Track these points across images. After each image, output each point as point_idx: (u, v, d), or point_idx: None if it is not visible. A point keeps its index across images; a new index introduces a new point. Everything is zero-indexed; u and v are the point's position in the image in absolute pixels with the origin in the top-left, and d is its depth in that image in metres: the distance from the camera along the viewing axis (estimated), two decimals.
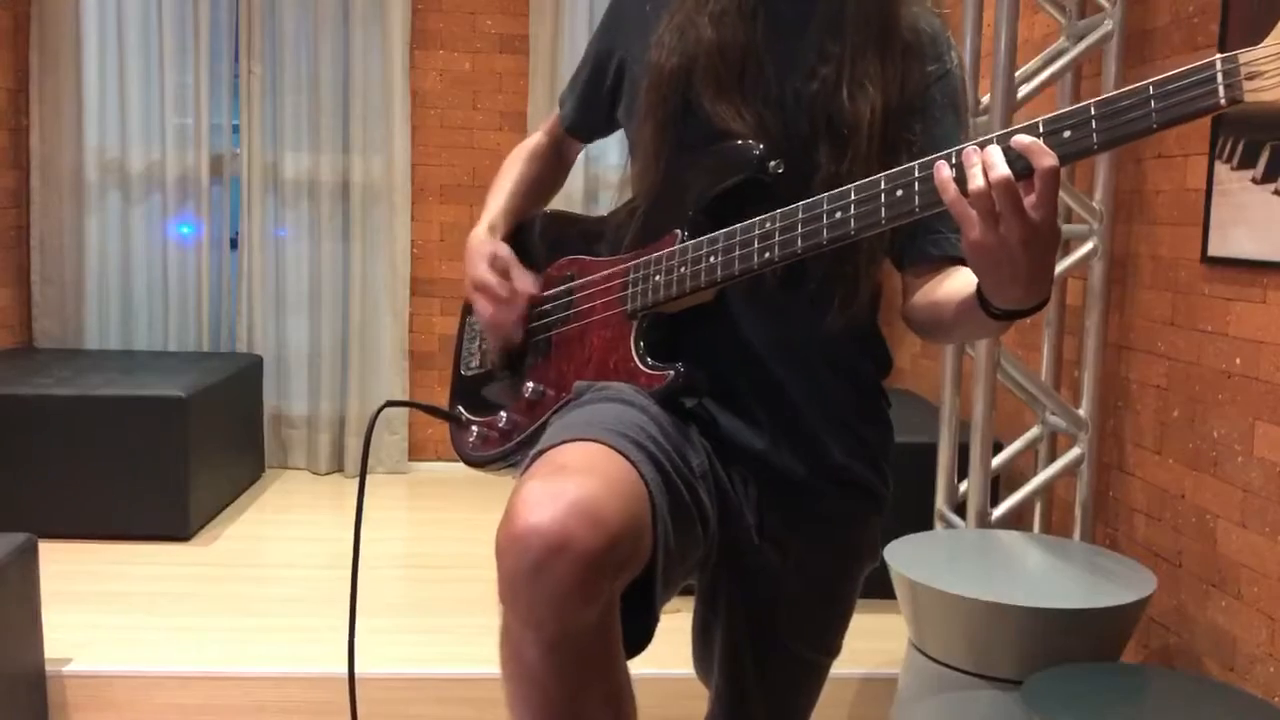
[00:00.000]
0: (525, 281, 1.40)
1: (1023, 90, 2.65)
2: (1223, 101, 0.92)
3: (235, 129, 4.33)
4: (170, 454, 3.41)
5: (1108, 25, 2.63)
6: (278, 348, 4.40)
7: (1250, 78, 0.91)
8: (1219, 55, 0.92)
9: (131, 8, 4.20)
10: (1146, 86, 0.95)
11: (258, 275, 4.33)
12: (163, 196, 4.28)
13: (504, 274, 1.40)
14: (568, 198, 4.19)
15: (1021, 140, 0.98)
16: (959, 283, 1.18)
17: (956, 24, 2.82)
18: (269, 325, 4.38)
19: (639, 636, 1.11)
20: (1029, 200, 0.98)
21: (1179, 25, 2.45)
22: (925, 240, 1.26)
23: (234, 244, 4.38)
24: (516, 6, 4.37)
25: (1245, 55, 0.91)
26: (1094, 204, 2.67)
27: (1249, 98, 0.91)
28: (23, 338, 4.26)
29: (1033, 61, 2.82)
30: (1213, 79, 0.92)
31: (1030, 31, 3.12)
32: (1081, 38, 2.70)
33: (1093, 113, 0.97)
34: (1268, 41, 0.91)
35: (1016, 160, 0.98)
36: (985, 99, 2.73)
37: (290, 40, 4.25)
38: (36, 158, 4.18)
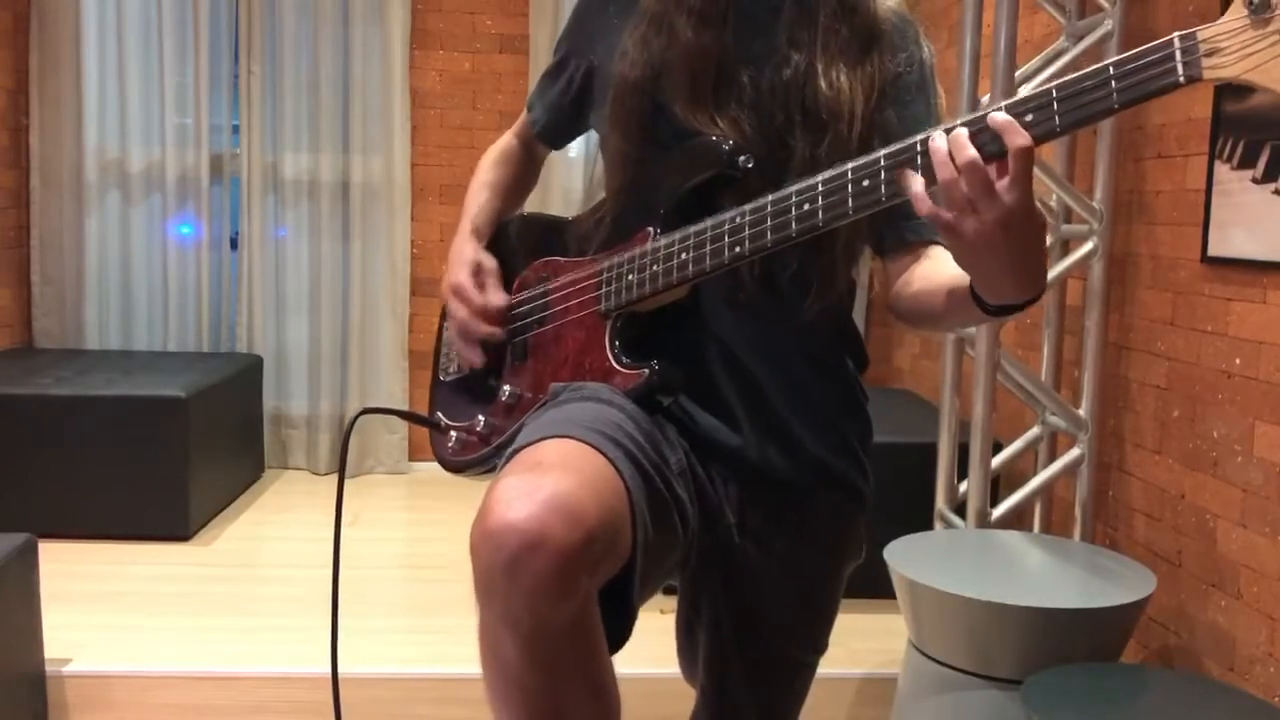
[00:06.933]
0: (499, 297, 1.40)
1: (1023, 90, 2.64)
2: (1181, 79, 0.90)
3: (235, 129, 4.32)
4: (170, 454, 3.41)
5: (1108, 25, 2.63)
6: (278, 348, 4.40)
7: (1209, 54, 0.89)
8: (1177, 33, 0.91)
9: (131, 8, 4.20)
10: (1106, 67, 0.94)
11: (258, 275, 4.33)
12: (163, 196, 4.28)
13: (481, 287, 1.40)
14: (566, 197, 4.19)
15: (997, 119, 0.97)
16: (944, 272, 1.17)
17: (956, 24, 2.82)
18: (269, 325, 4.38)
19: (617, 634, 1.10)
20: (1002, 183, 0.97)
21: (1179, 25, 2.43)
22: (903, 226, 1.26)
23: (234, 244, 4.38)
24: (516, 6, 4.37)
25: (1204, 31, 0.89)
26: (1094, 204, 2.67)
27: (1208, 75, 0.89)
28: (23, 338, 4.26)
29: (1033, 61, 2.82)
30: (1171, 57, 0.91)
31: (1030, 31, 3.12)
32: (1081, 38, 2.70)
33: (1054, 95, 0.96)
34: (1226, 17, 0.89)
35: (989, 143, 0.98)
36: (985, 99, 2.73)
37: (290, 40, 4.25)
38: (36, 158, 4.18)
